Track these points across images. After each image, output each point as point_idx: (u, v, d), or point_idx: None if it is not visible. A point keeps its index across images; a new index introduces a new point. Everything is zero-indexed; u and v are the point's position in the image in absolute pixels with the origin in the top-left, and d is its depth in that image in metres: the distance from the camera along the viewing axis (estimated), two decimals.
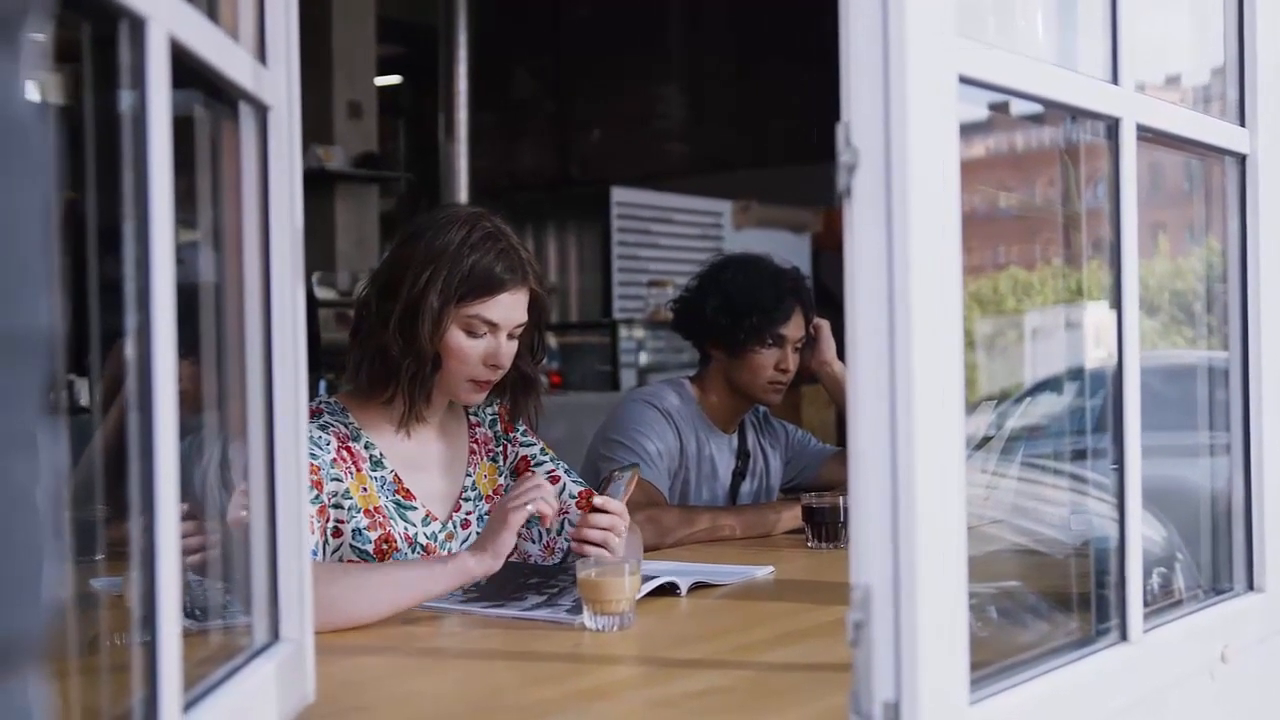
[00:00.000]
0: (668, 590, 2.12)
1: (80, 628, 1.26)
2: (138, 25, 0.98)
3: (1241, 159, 1.83)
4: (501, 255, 2.18)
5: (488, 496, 2.34)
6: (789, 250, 6.80)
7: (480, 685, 1.68)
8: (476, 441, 2.37)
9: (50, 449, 0.59)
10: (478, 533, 2.27)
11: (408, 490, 2.23)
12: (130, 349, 0.99)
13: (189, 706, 1.08)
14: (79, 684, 1.13)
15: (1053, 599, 1.71)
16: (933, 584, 1.18)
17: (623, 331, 7.52)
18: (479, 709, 1.57)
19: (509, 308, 2.20)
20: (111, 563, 1.37)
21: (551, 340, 7.73)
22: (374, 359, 2.19)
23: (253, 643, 1.34)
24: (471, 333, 2.18)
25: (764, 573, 2.36)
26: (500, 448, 2.40)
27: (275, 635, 1.36)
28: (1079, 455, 1.97)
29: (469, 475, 2.34)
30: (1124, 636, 1.53)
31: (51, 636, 0.62)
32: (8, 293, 0.55)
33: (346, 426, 2.21)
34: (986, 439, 2.26)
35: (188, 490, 1.07)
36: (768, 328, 3.00)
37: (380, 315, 2.18)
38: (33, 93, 0.60)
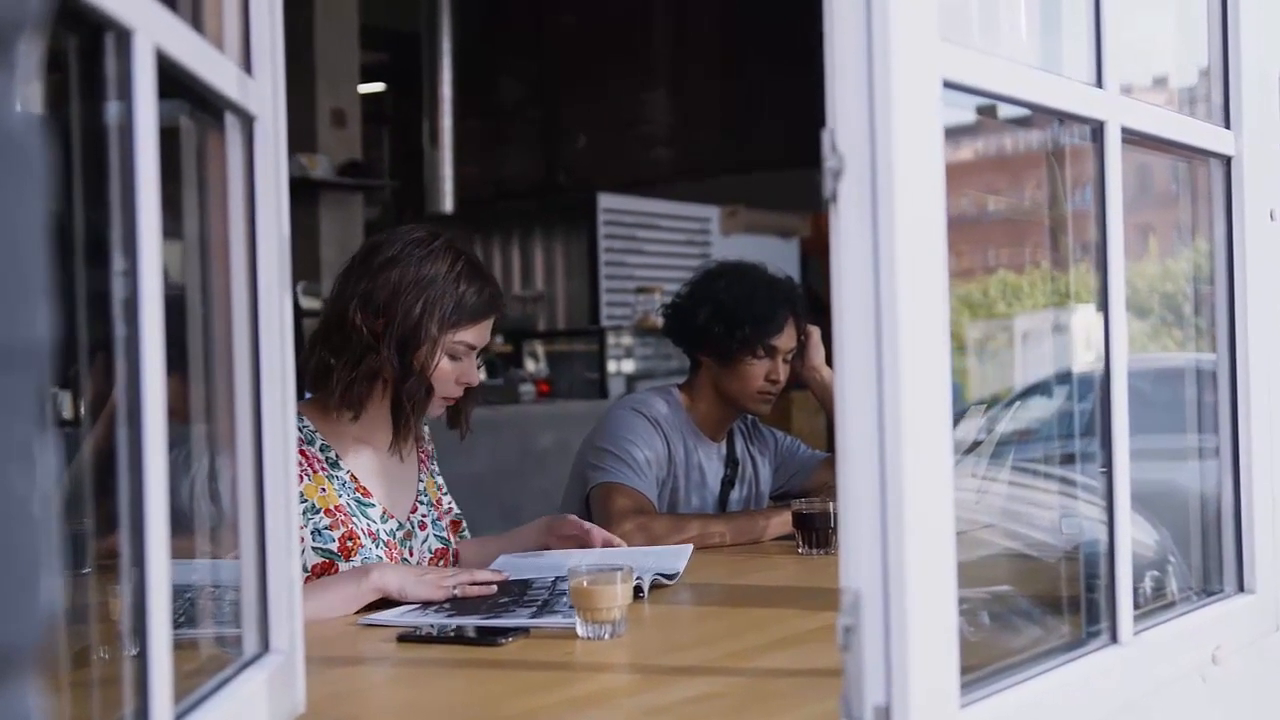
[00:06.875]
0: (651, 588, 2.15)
1: (70, 640, 1.25)
2: (124, 36, 0.98)
3: (1227, 161, 1.84)
4: (487, 285, 2.33)
5: (435, 503, 2.47)
6: (776, 255, 6.80)
7: (471, 695, 1.68)
8: (424, 453, 2.51)
9: (46, 459, 0.60)
10: (434, 535, 2.43)
11: (365, 489, 2.33)
12: (119, 361, 0.99)
13: (180, 717, 1.07)
14: (70, 697, 1.12)
15: (1043, 602, 1.71)
16: (922, 587, 1.18)
17: (610, 339, 7.50)
18: (471, 719, 1.56)
19: (487, 332, 2.36)
20: (99, 575, 1.37)
21: (539, 348, 7.73)
22: (365, 380, 2.27)
23: (243, 653, 1.33)
24: (453, 357, 2.31)
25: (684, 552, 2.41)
26: (435, 464, 2.54)
27: (265, 646, 1.36)
28: (1069, 459, 1.97)
29: (420, 482, 2.46)
30: (1114, 638, 1.53)
31: (49, 646, 0.62)
32: (7, 305, 0.55)
33: (300, 431, 2.27)
34: (976, 443, 2.26)
35: (175, 503, 1.06)
36: (760, 339, 2.98)
37: (370, 338, 2.25)
38: (28, 105, 0.60)
